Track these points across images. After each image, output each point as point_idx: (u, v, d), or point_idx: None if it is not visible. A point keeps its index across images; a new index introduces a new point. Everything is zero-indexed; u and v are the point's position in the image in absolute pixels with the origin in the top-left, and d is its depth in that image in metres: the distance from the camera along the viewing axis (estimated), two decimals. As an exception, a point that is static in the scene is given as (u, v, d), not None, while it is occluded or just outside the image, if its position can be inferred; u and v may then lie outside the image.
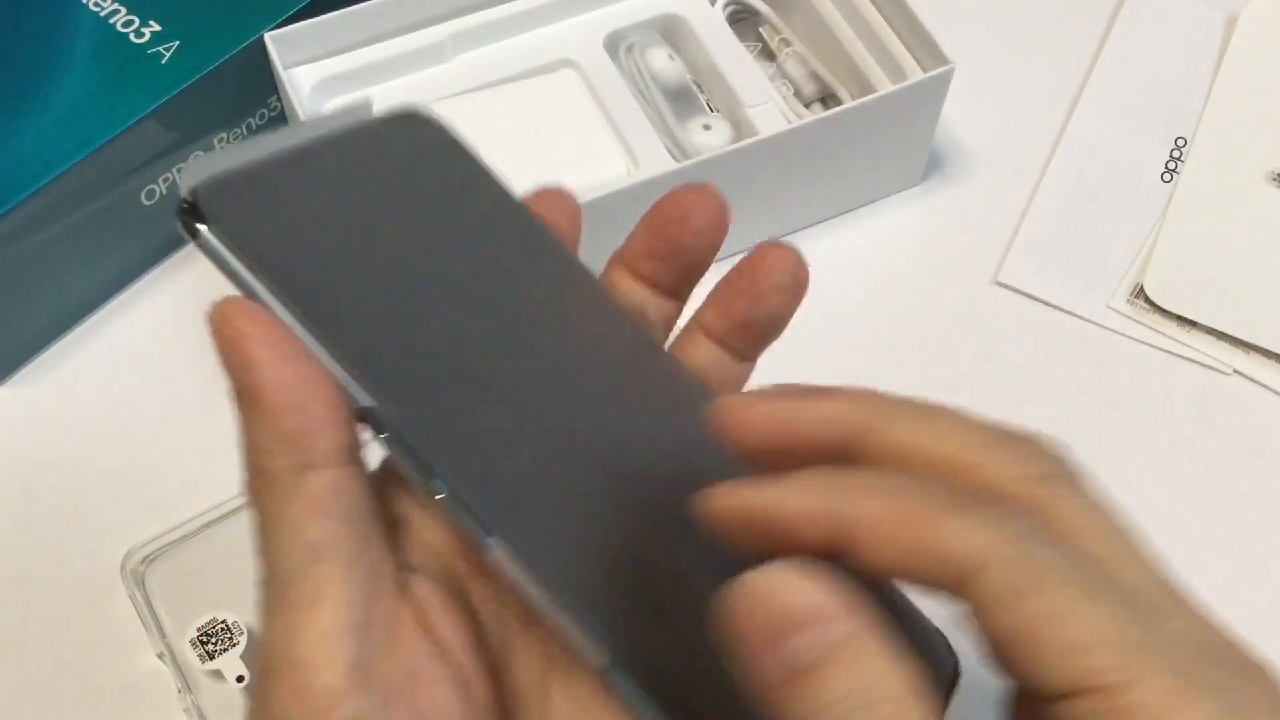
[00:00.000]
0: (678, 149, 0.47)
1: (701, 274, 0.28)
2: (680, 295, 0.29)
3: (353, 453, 0.24)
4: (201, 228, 0.23)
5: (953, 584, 0.20)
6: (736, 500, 0.22)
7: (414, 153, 0.28)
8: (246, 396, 0.23)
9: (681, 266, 0.28)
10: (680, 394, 0.28)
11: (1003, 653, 0.20)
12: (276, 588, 0.23)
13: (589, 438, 0.26)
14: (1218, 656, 0.20)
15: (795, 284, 0.27)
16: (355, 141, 0.27)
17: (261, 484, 0.23)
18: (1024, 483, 0.22)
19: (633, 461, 0.26)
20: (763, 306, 0.28)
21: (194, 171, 0.24)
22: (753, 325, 0.28)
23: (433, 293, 0.26)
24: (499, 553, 0.23)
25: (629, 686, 0.23)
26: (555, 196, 0.29)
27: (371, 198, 0.27)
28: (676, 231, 0.28)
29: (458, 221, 0.28)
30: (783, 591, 0.19)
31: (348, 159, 0.27)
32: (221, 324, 0.23)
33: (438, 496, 0.24)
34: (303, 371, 0.23)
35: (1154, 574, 0.22)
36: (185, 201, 0.23)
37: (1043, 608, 0.19)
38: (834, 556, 0.21)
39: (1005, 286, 0.49)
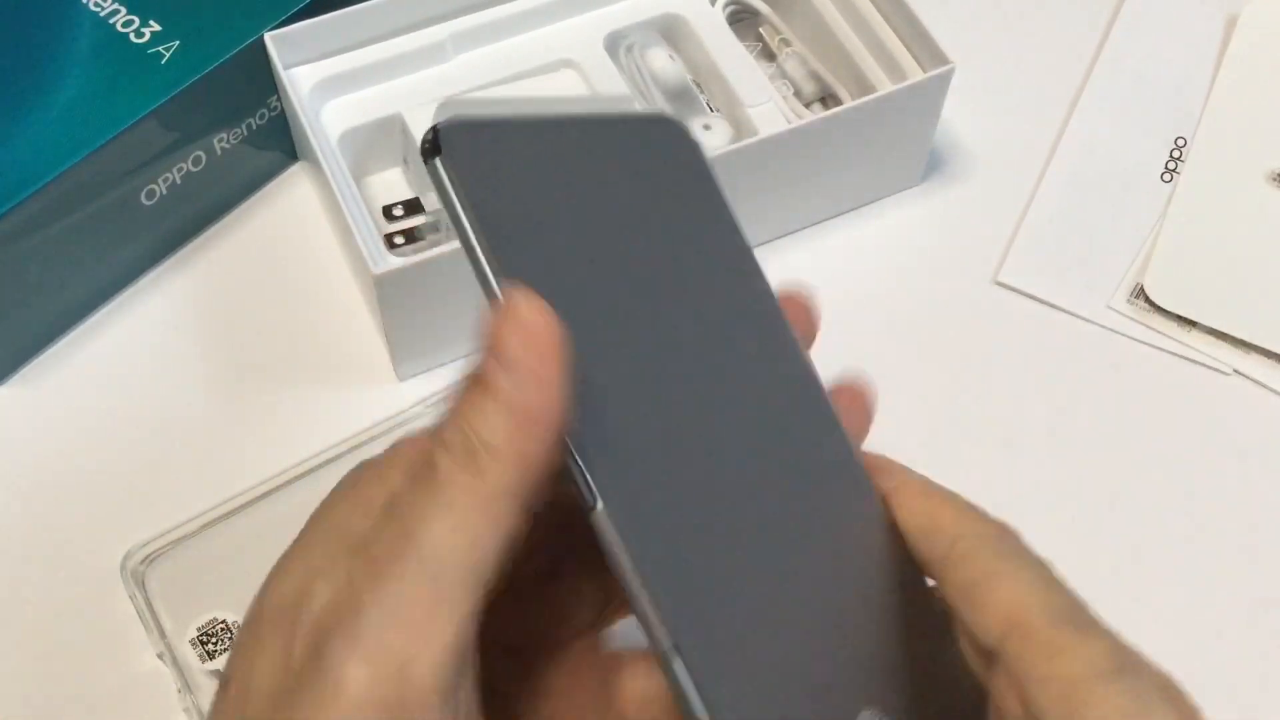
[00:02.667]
0: (678, 149, 0.47)
1: None
2: None
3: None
4: (436, 160, 0.25)
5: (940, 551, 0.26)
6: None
7: (658, 156, 0.29)
8: (491, 386, 0.23)
9: None
10: (824, 439, 0.29)
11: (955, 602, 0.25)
12: (387, 561, 0.22)
13: (726, 453, 0.26)
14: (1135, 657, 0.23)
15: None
16: (604, 128, 0.28)
17: (449, 461, 0.23)
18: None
19: (761, 485, 0.27)
20: None
21: (446, 108, 0.26)
22: None
23: (620, 290, 0.26)
24: (604, 521, 0.24)
25: (685, 680, 0.23)
26: (794, 302, 0.29)
27: (598, 182, 0.28)
28: None
29: (673, 232, 0.28)
30: None
31: (590, 141, 0.28)
32: (515, 312, 0.23)
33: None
34: (555, 398, 0.23)
35: None
36: (431, 131, 0.25)
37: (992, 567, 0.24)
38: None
39: (1005, 286, 0.49)
